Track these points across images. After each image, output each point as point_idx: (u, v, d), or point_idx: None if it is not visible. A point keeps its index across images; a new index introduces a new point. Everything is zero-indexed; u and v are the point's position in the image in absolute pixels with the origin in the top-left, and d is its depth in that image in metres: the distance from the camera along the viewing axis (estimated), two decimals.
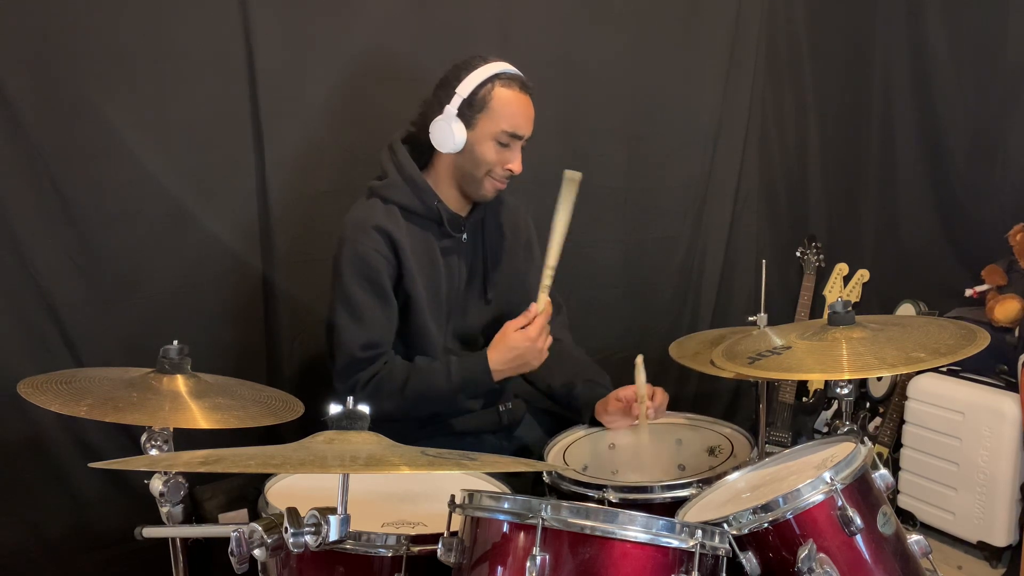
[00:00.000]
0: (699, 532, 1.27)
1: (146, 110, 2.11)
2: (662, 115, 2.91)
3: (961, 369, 2.65)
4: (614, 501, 1.64)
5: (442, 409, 1.92)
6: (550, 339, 1.90)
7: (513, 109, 1.86)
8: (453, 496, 1.36)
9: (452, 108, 1.84)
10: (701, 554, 1.25)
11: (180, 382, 1.57)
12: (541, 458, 1.87)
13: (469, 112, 1.84)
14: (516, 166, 1.90)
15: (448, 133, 1.84)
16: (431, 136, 1.87)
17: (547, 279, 1.86)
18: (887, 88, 3.15)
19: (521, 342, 1.85)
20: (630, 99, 2.84)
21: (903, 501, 2.75)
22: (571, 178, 1.85)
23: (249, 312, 2.32)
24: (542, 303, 1.86)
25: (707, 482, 1.65)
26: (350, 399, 1.26)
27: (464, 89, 1.83)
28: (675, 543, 1.25)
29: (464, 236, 1.97)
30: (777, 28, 3.13)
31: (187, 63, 2.14)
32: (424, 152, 1.94)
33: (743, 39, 3.02)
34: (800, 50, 3.19)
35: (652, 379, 2.44)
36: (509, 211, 2.07)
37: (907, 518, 2.72)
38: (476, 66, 1.85)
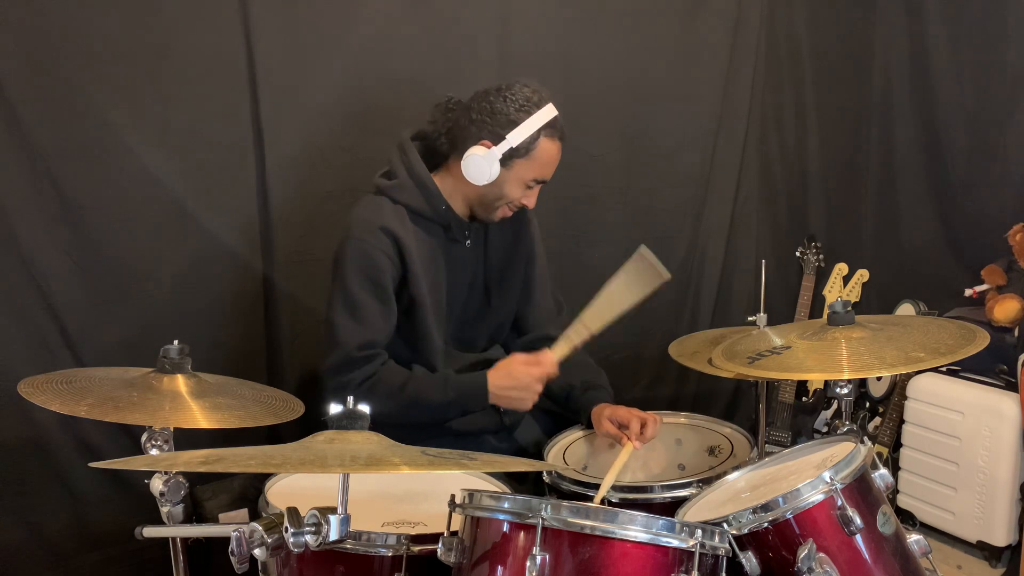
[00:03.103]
0: (699, 532, 1.27)
1: (146, 110, 2.11)
2: (662, 115, 2.91)
3: (961, 369, 2.64)
4: (614, 501, 1.65)
5: (431, 419, 1.92)
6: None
7: (549, 160, 1.87)
8: (453, 496, 1.36)
9: (497, 152, 1.81)
10: (701, 554, 1.25)
11: (180, 382, 1.57)
12: (541, 458, 1.87)
13: (509, 155, 1.83)
14: (531, 203, 1.93)
15: (485, 172, 1.82)
16: (462, 165, 1.83)
17: (577, 337, 1.86)
18: (887, 88, 3.15)
19: (523, 376, 1.85)
20: (630, 99, 2.84)
21: (903, 501, 2.74)
22: (652, 265, 1.86)
23: (249, 312, 2.32)
24: (558, 354, 1.86)
25: (707, 482, 1.65)
26: (350, 399, 1.26)
27: (515, 138, 1.81)
28: (675, 543, 1.25)
29: (468, 241, 1.97)
30: (777, 28, 3.13)
31: (187, 63, 2.14)
32: (437, 154, 1.93)
33: (743, 39, 3.02)
34: (800, 50, 3.19)
35: (652, 378, 2.46)
36: (514, 214, 2.06)
37: (907, 518, 2.71)
38: (529, 112, 1.82)
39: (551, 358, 1.86)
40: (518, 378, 1.85)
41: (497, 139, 1.82)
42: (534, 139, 1.83)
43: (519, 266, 2.06)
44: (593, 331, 1.86)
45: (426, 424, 1.92)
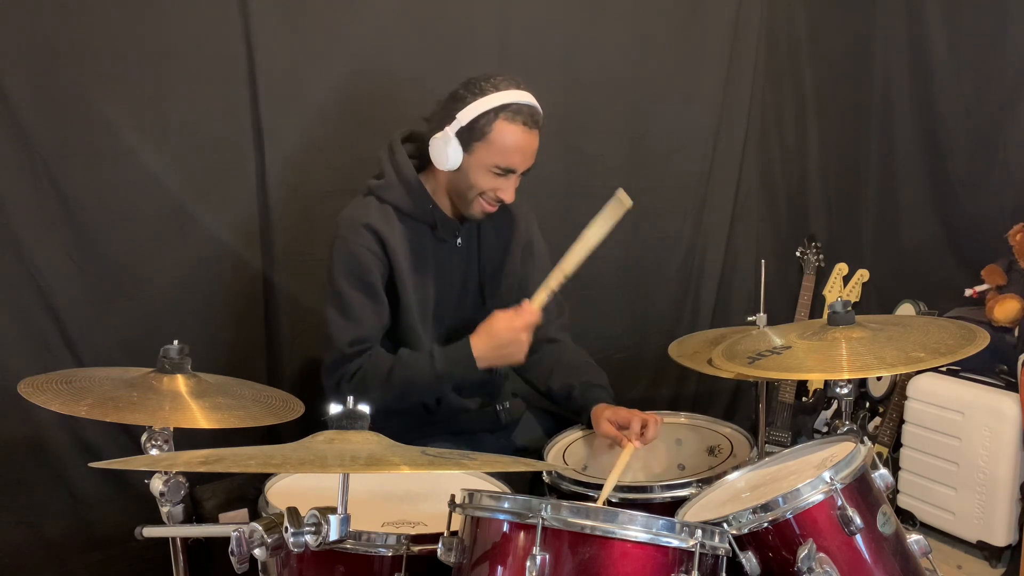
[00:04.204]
0: (699, 532, 1.27)
1: (146, 110, 2.11)
2: (662, 115, 2.91)
3: (961, 369, 2.65)
4: (614, 501, 1.65)
5: (428, 398, 1.93)
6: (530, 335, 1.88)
7: (510, 145, 1.82)
8: (453, 496, 1.36)
9: (450, 131, 1.81)
10: (701, 554, 1.25)
11: (180, 382, 1.57)
12: (541, 458, 1.87)
13: (467, 138, 1.82)
14: (507, 196, 1.88)
15: (444, 153, 1.82)
16: (429, 149, 1.85)
17: (555, 283, 1.85)
18: (887, 88, 3.16)
19: (505, 332, 1.84)
20: (630, 99, 2.84)
21: (903, 501, 2.75)
22: (620, 200, 1.85)
23: (249, 312, 2.32)
24: (538, 302, 1.86)
25: (707, 482, 1.65)
26: (350, 399, 1.26)
27: (464, 116, 1.80)
28: (675, 543, 1.25)
29: (459, 240, 1.97)
30: (777, 28, 3.14)
31: (187, 63, 2.14)
32: (427, 154, 1.93)
33: (743, 39, 3.02)
34: (800, 50, 3.19)
35: (652, 378, 2.47)
36: (508, 214, 2.05)
37: (907, 518, 2.72)
38: (485, 92, 1.81)
39: (532, 307, 1.85)
40: (500, 336, 1.84)
41: (451, 118, 1.82)
42: (488, 120, 1.80)
43: (515, 266, 2.06)
44: (568, 273, 1.85)
45: (426, 409, 1.93)
